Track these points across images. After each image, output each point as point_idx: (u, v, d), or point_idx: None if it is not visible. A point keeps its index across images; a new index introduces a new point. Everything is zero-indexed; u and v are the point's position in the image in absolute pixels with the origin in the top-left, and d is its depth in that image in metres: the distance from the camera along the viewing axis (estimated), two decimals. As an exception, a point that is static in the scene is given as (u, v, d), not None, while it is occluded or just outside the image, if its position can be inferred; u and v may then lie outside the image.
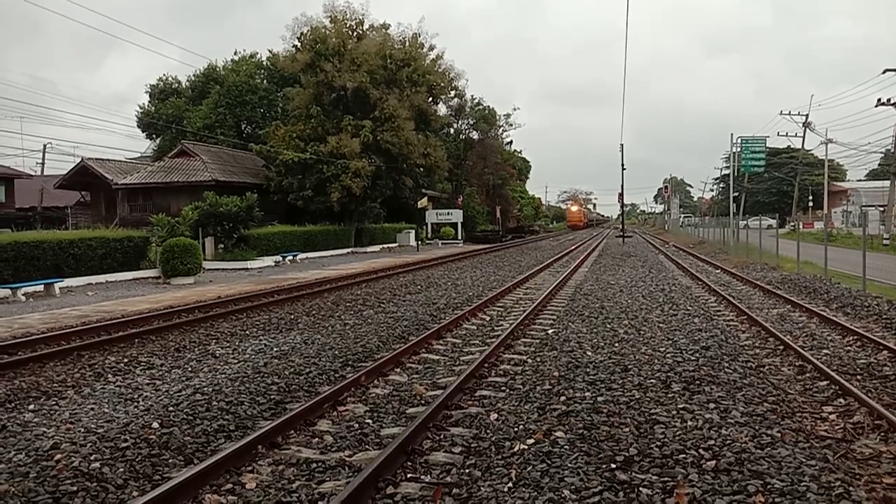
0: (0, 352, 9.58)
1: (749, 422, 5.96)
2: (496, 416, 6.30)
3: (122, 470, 5.10)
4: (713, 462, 5.02)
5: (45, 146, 50.28)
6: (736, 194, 47.49)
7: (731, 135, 42.84)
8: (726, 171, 64.97)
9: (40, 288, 17.43)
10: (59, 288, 17.74)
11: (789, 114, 52.52)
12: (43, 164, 51.34)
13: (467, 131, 59.47)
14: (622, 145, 48.31)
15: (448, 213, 49.29)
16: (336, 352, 9.48)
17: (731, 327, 11.18)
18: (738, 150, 42.33)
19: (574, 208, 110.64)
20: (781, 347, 9.31)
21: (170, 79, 53.73)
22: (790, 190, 65.50)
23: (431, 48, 42.32)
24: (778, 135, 55.43)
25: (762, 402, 6.61)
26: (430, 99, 42.83)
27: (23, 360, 8.99)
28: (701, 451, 5.27)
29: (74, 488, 4.74)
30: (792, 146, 63.75)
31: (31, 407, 6.92)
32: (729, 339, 10.04)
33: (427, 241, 45.79)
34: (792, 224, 49.19)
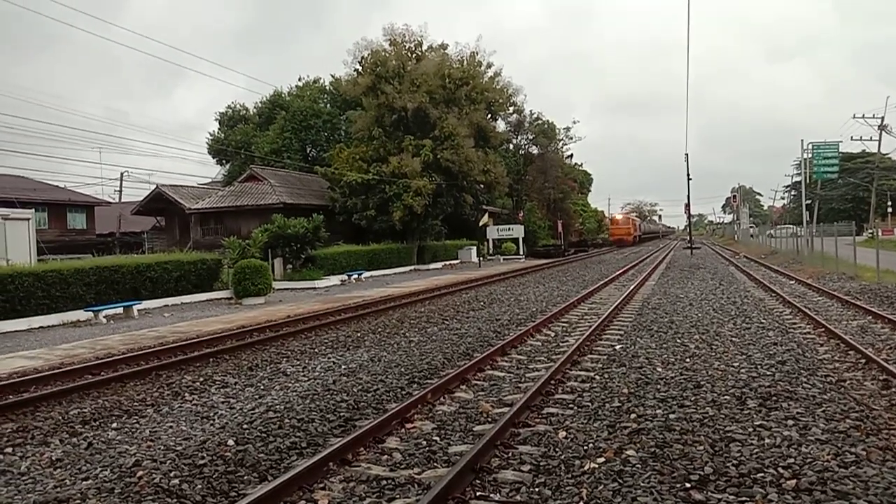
0: (85, 372, 10.08)
1: (831, 439, 5.71)
2: (564, 434, 6.23)
3: (200, 486, 5.27)
4: (793, 482, 4.83)
5: (122, 174, 52.55)
6: (808, 202, 45.77)
7: (802, 141, 41.35)
8: (797, 179, 62.74)
9: (120, 310, 18.22)
10: (137, 310, 18.52)
11: (863, 117, 50.54)
12: (120, 191, 53.92)
13: (527, 146, 59.37)
14: (687, 155, 47.32)
15: (509, 229, 49.16)
16: (402, 369, 9.57)
17: (808, 340, 10.74)
18: (810, 156, 40.86)
19: (619, 217, 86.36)
20: (863, 361, 8.88)
21: (238, 106, 55.82)
22: (867, 196, 62.70)
23: (489, 66, 42.60)
24: (851, 139, 53.21)
25: (844, 418, 6.32)
26: (489, 116, 43.04)
27: (105, 380, 9.42)
28: (780, 469, 5.08)
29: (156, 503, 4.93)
30: (867, 150, 61.16)
31: (114, 425, 7.23)
32: (806, 352, 9.65)
33: (489, 257, 45.75)
34: (870, 231, 46.95)
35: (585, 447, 5.81)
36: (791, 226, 52.95)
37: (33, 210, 26.92)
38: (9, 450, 6.45)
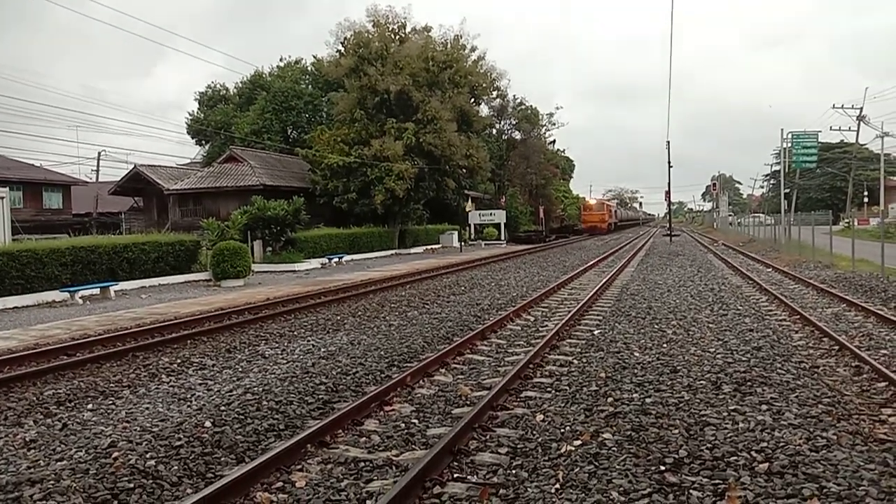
0: (60, 353, 9.96)
1: (803, 424, 5.81)
2: (542, 417, 6.27)
3: (176, 468, 5.24)
4: (766, 465, 4.91)
5: (99, 154, 51.84)
6: (787, 191, 46.28)
7: (782, 130, 41.62)
8: (776, 168, 63.36)
9: (96, 291, 18.01)
10: (115, 291, 18.31)
11: (842, 107, 51.12)
12: (98, 171, 53.21)
13: (510, 131, 59.28)
14: (668, 142, 47.58)
15: (491, 214, 49.20)
16: (382, 352, 9.57)
17: (784, 327, 10.89)
18: (789, 145, 41.25)
19: (592, 202, 75.32)
20: (837, 348, 9.03)
21: (218, 86, 55.05)
22: (844, 186, 63.54)
23: (473, 49, 42.36)
24: (830, 129, 53.90)
25: (817, 403, 6.43)
26: (473, 100, 42.83)
27: (81, 360, 9.32)
28: (753, 453, 5.16)
29: (131, 485, 4.89)
30: (845, 140, 61.89)
31: (90, 406, 7.16)
32: (781, 339, 9.79)
33: (470, 242, 45.80)
34: (846, 221, 47.65)
35: (562, 430, 5.86)
36: (761, 215, 53.57)
37: (7, 189, 26.40)
38: (-19, 430, 6.37)
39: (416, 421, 6.38)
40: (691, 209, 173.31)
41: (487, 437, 5.82)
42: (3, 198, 23.38)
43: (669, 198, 53.27)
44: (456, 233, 44.52)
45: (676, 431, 5.69)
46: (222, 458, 5.47)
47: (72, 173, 47.28)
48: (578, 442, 5.53)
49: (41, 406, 7.18)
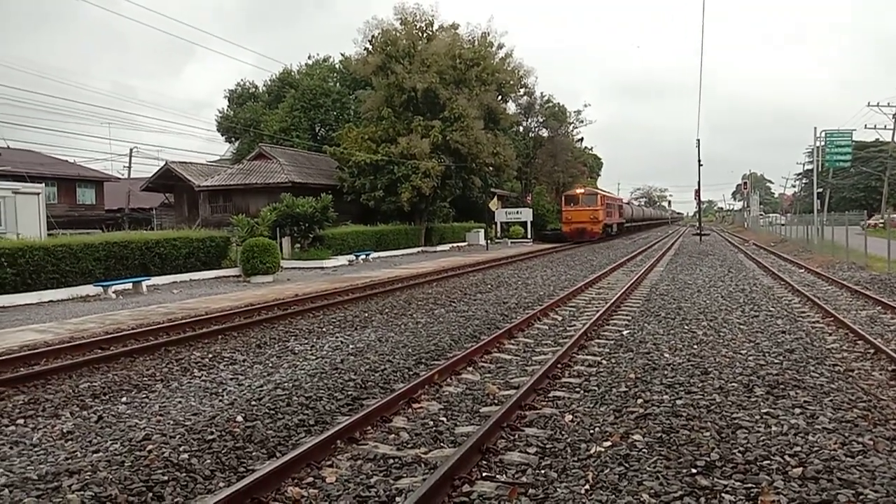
0: (94, 346, 10.17)
1: (838, 428, 5.71)
2: (571, 417, 6.25)
3: (209, 461, 5.33)
4: (800, 469, 4.84)
5: (131, 150, 52.49)
6: (820, 190, 45.43)
7: (815, 129, 40.84)
8: (809, 167, 62.19)
9: (129, 286, 18.33)
10: (147, 286, 18.62)
11: (878, 105, 49.91)
12: (130, 167, 53.96)
13: (537, 129, 59.06)
14: (698, 140, 46.74)
15: (517, 212, 49.00)
16: (409, 349, 9.61)
17: (817, 329, 10.71)
18: (822, 144, 40.48)
19: (579, 191, 48.03)
20: (872, 351, 8.85)
21: (247, 84, 55.69)
22: (879, 185, 62.12)
23: (500, 47, 42.23)
24: (865, 127, 52.63)
25: (852, 407, 6.31)
26: (500, 97, 42.73)
27: (115, 354, 9.50)
28: (786, 457, 5.08)
29: (165, 478, 4.98)
30: (881, 139, 60.54)
31: (124, 399, 7.30)
32: (815, 341, 9.63)
33: (496, 240, 45.70)
34: (881, 220, 46.61)
35: (592, 431, 5.83)
36: (774, 215, 52.31)
37: (43, 184, 27.00)
38: (21, 421, 6.54)
39: (444, 419, 6.39)
40: (721, 208, 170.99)
41: (516, 436, 5.82)
42: (38, 193, 23.92)
43: (699, 196, 52.54)
44: (482, 231, 44.46)
45: (708, 434, 5.63)
46: (254, 453, 5.54)
47: (104, 169, 48.17)
48: (608, 443, 5.49)
49: (77, 398, 7.34)
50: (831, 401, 6.54)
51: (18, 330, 11.82)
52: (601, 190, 56.88)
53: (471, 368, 8.43)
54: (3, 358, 9.15)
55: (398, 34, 37.44)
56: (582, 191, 47.45)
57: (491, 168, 42.35)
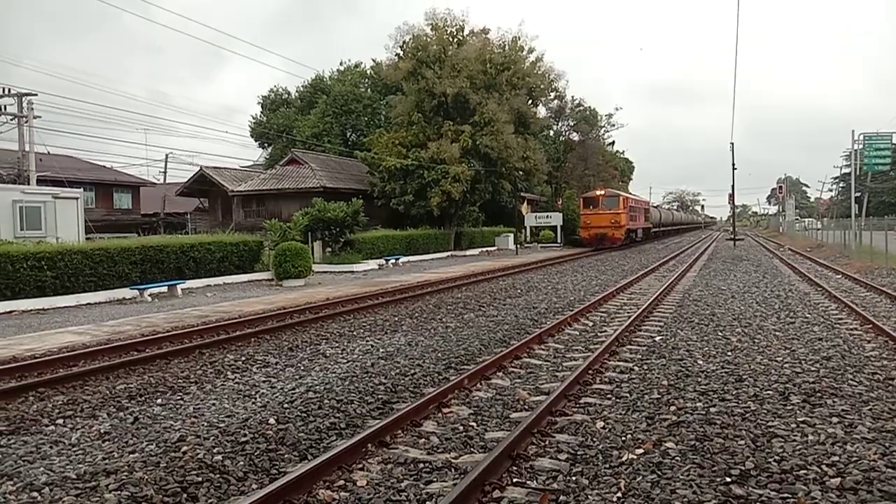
0: (130, 348, 10.36)
1: (878, 438, 5.58)
2: (602, 424, 6.20)
3: (242, 463, 5.40)
4: (838, 480, 4.74)
5: (167, 156, 53.70)
6: (858, 194, 44.45)
7: (853, 131, 39.95)
8: (846, 170, 60.88)
9: (164, 289, 18.64)
10: (181, 289, 18.92)
11: (920, 107, 48.58)
12: (165, 172, 55.06)
13: (567, 133, 58.67)
14: (732, 144, 46.10)
15: (547, 217, 48.73)
16: (439, 354, 9.62)
17: (855, 336, 10.47)
18: (860, 147, 39.58)
19: (599, 192, 44.76)
20: (914, 359, 8.63)
21: (280, 89, 56.33)
22: (920, 189, 60.54)
23: (531, 51, 42.06)
24: (907, 129, 51.43)
25: (893, 417, 6.15)
26: (530, 101, 42.56)
27: (150, 356, 9.67)
28: (824, 467, 4.98)
29: (199, 479, 5.06)
30: (923, 141, 58.93)
31: (159, 401, 7.43)
32: (853, 349, 9.41)
33: (526, 245, 45.53)
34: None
35: (624, 438, 5.78)
36: (811, 219, 51.12)
37: (81, 189, 27.61)
38: (60, 421, 6.69)
39: (474, 424, 6.39)
40: (755, 212, 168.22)
41: (546, 442, 5.79)
42: (77, 198, 24.48)
43: (733, 201, 51.80)
44: (511, 235, 44.33)
45: (742, 442, 5.54)
46: (286, 455, 5.60)
47: (140, 175, 49.12)
48: (640, 450, 5.44)
49: (114, 399, 7.49)
50: (870, 410, 6.39)
51: (58, 332, 12.11)
52: (625, 192, 53.25)
53: (501, 373, 8.42)
54: (44, 359, 9.39)
55: (429, 39, 37.56)
56: (602, 192, 44.25)
57: (521, 172, 42.21)
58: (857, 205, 42.05)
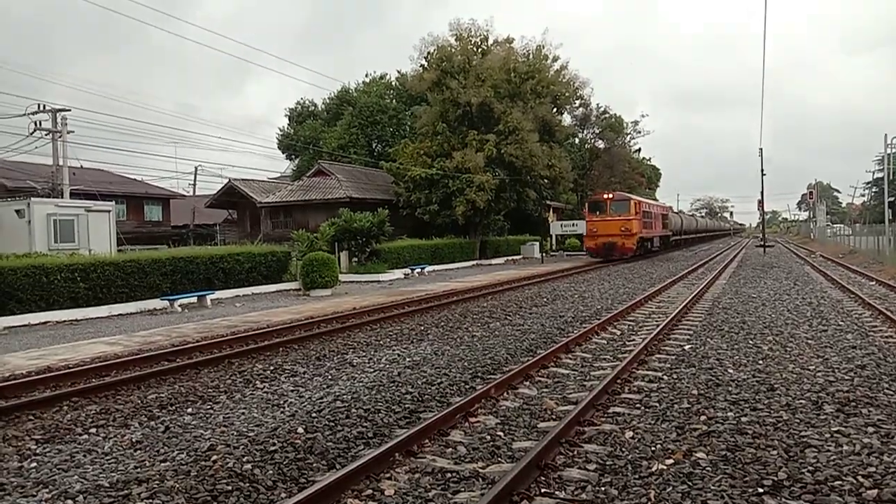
0: (161, 358, 10.52)
1: (916, 449, 5.45)
2: (631, 434, 6.14)
3: (271, 472, 5.44)
4: (874, 491, 4.63)
5: (196, 168, 54.55)
6: (892, 199, 43.51)
7: (885, 136, 39.21)
8: (879, 175, 59.69)
9: (194, 300, 18.91)
10: (211, 299, 19.17)
11: (955, 109, 47.53)
12: (195, 184, 55.88)
13: (593, 140, 58.41)
14: (761, 149, 45.52)
15: (573, 225, 48.32)
16: (465, 363, 9.61)
17: (890, 344, 10.23)
18: (893, 151, 38.82)
19: (607, 195, 38.21)
20: (953, 368, 8.41)
21: (306, 102, 57.00)
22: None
23: (555, 59, 42.05)
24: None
25: (931, 428, 6.01)
26: (555, 109, 42.48)
27: (181, 366, 9.81)
28: (860, 478, 4.88)
29: (229, 487, 5.11)
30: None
31: (190, 410, 7.52)
32: (888, 357, 9.20)
33: (551, 253, 45.34)
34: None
35: (653, 448, 5.72)
36: (841, 225, 50.13)
37: (113, 202, 28.14)
38: (93, 430, 6.81)
39: (501, 433, 6.37)
40: (786, 219, 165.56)
41: (575, 452, 5.75)
42: (109, 211, 24.95)
43: (763, 207, 51.12)
44: (537, 244, 44.18)
45: (775, 452, 5.45)
46: (314, 464, 5.63)
47: (170, 187, 49.97)
48: (670, 461, 5.37)
49: (145, 409, 7.60)
50: (908, 420, 6.25)
51: (90, 342, 12.33)
52: (639, 198, 42.71)
53: (527, 383, 8.38)
54: (77, 369, 9.57)
55: (453, 50, 37.73)
56: (610, 195, 38.00)
57: (546, 181, 42.08)
58: (890, 210, 41.14)
